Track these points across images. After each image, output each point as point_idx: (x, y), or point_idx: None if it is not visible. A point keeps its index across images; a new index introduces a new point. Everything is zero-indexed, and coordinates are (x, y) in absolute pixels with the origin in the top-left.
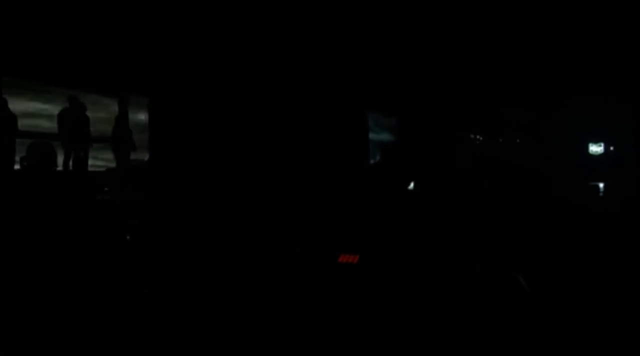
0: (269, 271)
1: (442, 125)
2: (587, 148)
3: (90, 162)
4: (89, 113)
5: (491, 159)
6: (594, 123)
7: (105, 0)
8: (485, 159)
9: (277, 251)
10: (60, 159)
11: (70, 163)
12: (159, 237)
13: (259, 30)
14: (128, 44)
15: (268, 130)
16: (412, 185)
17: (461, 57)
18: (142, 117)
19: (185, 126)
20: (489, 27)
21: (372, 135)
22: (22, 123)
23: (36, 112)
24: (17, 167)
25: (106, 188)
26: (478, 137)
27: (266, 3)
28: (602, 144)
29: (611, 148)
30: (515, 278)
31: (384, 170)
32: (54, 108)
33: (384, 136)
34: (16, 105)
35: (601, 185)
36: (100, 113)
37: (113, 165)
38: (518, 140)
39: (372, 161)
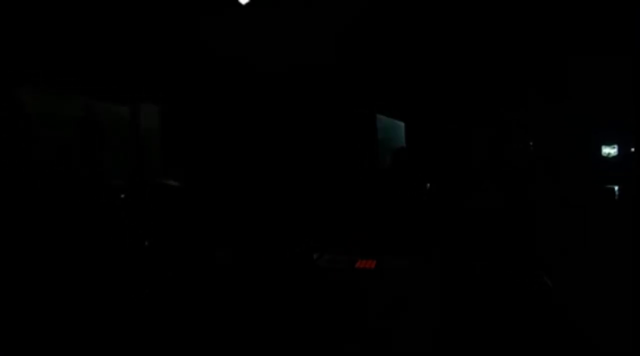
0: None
1: (447, 127)
2: (599, 150)
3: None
4: (102, 120)
5: (490, 160)
6: (606, 123)
7: (117, 8)
8: (484, 160)
9: (286, 250)
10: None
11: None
12: (170, 238)
13: (269, 31)
14: (139, 51)
15: (279, 133)
16: (419, 186)
17: (465, 55)
18: (155, 123)
19: (196, 132)
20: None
21: (381, 139)
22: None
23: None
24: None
25: (122, 196)
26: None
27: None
28: (616, 146)
29: (632, 149)
30: (540, 277)
31: (393, 174)
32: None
33: (394, 140)
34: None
35: (616, 188)
36: (113, 120)
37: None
38: (519, 140)
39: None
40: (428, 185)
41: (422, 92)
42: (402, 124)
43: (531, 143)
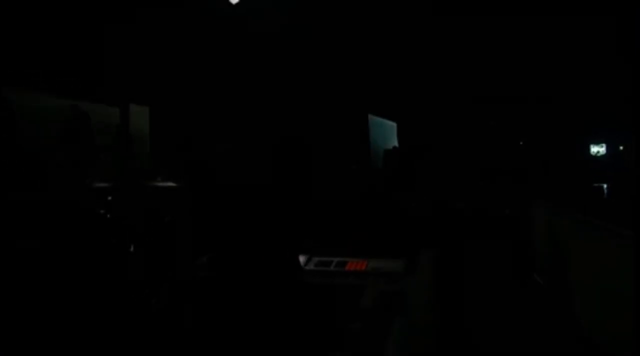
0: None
1: (441, 128)
2: (588, 149)
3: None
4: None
5: (488, 160)
6: (595, 122)
7: (105, 11)
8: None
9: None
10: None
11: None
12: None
13: (259, 36)
14: (130, 53)
15: (270, 133)
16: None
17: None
18: (144, 126)
19: (186, 134)
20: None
21: (373, 140)
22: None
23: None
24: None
25: (109, 197)
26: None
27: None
28: (605, 145)
29: (621, 148)
30: (531, 276)
31: (387, 175)
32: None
33: (387, 141)
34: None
35: (604, 186)
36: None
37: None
38: (508, 141)
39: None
40: (423, 185)
41: (417, 92)
42: (394, 124)
43: (521, 143)
